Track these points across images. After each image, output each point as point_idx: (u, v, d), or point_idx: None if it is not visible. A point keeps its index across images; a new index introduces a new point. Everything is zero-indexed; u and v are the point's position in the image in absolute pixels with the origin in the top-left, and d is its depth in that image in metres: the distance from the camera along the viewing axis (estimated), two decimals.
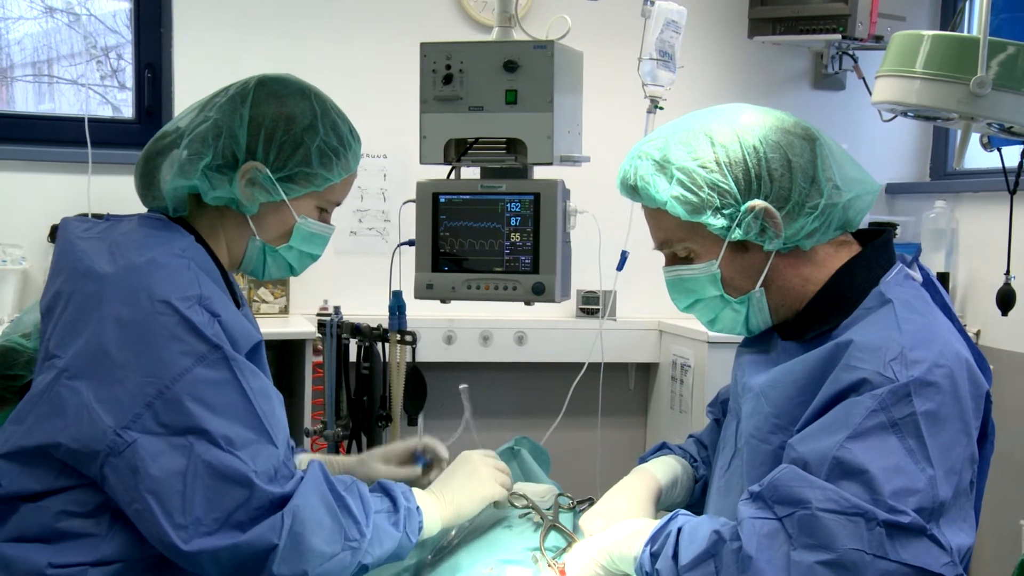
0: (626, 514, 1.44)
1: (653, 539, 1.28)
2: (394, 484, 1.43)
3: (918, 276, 1.39)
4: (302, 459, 1.66)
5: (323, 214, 1.53)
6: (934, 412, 1.20)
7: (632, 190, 1.39)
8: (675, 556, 1.23)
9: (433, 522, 1.45)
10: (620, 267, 2.44)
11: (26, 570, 1.28)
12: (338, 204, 1.55)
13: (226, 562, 1.25)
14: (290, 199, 1.46)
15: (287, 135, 1.44)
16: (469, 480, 1.51)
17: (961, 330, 1.34)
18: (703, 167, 1.33)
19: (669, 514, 1.32)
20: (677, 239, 1.39)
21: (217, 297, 1.35)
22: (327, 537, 1.29)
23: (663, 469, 1.56)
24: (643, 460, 1.63)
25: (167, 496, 1.23)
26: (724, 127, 1.35)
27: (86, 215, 1.54)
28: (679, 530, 1.26)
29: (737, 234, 1.34)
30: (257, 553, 1.25)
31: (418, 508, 1.42)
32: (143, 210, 1.50)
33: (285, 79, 1.49)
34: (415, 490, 1.46)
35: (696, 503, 1.60)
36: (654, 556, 1.26)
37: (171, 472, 1.23)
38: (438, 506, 1.46)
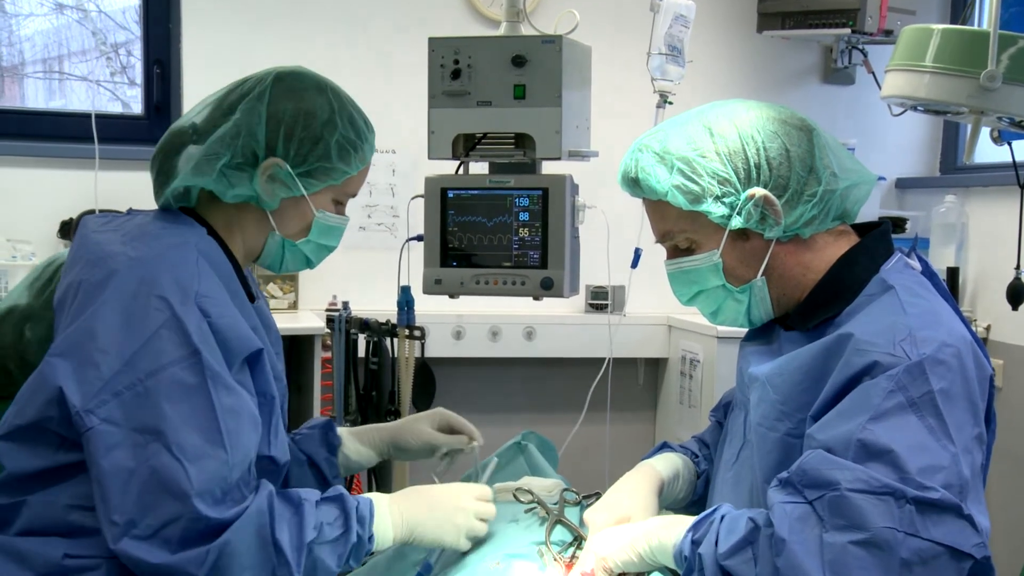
0: (629, 508, 1.45)
1: (696, 527, 1.28)
2: (353, 506, 1.38)
3: (917, 265, 1.40)
4: (341, 432, 1.70)
5: (338, 206, 1.54)
6: (947, 390, 1.21)
7: (633, 183, 1.40)
8: (717, 543, 1.24)
9: (384, 543, 1.42)
10: (635, 264, 2.44)
11: (42, 562, 1.30)
12: (354, 196, 1.56)
13: (148, 574, 1.25)
14: (309, 193, 1.47)
15: (306, 131, 1.44)
16: (443, 520, 1.46)
17: (962, 318, 1.35)
18: (703, 156, 1.35)
19: (713, 507, 1.32)
20: (678, 230, 1.40)
21: (217, 296, 1.35)
22: (253, 574, 1.27)
23: (665, 464, 1.57)
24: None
25: (109, 490, 1.24)
26: (723, 119, 1.38)
27: (106, 211, 1.55)
28: (722, 518, 1.27)
29: (737, 222, 1.35)
30: None
31: (371, 537, 1.39)
32: (155, 205, 1.51)
33: (301, 73, 1.49)
34: (379, 504, 1.42)
35: (699, 498, 1.60)
36: (696, 543, 1.26)
37: (119, 468, 1.24)
38: (395, 527, 1.42)
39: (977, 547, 1.17)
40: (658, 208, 1.41)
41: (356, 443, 1.69)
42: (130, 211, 1.49)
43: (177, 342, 1.28)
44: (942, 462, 1.18)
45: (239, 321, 1.37)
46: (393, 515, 1.42)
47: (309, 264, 1.56)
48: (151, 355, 1.27)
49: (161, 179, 1.47)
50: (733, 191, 1.35)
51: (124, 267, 1.32)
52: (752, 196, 1.35)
